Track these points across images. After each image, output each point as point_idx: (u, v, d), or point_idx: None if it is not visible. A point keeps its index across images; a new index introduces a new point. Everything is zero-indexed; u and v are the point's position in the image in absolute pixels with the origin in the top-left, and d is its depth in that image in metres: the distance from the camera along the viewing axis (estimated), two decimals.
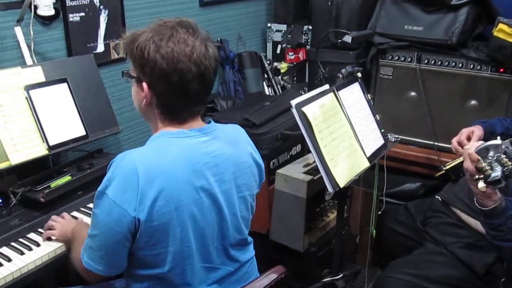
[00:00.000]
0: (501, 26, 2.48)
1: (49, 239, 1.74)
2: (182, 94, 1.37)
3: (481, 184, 1.59)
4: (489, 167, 1.57)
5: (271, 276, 1.46)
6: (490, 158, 1.60)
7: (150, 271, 1.42)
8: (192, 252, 1.43)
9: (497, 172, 1.56)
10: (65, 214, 1.82)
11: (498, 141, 1.63)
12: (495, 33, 2.51)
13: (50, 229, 1.75)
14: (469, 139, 2.20)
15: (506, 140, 1.63)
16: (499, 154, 1.59)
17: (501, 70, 2.64)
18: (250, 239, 1.65)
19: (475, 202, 1.78)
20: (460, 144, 2.19)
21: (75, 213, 1.91)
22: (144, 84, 1.39)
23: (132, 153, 1.36)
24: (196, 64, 1.34)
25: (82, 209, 1.94)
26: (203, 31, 1.42)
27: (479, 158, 1.63)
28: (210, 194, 1.42)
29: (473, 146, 1.71)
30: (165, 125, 1.44)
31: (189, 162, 1.38)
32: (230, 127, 1.58)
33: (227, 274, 1.55)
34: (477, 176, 1.61)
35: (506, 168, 1.56)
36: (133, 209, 1.31)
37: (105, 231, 1.35)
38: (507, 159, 1.57)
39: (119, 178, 1.32)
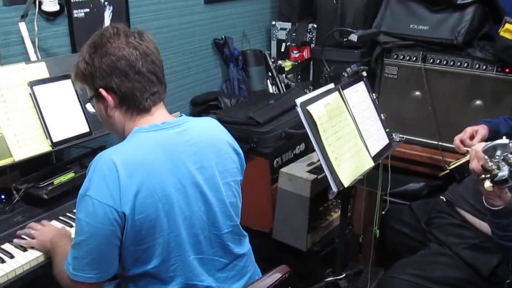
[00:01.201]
0: (507, 26, 2.47)
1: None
2: (135, 77, 1.42)
3: (487, 184, 1.57)
4: (495, 167, 1.56)
5: (275, 276, 1.46)
6: (497, 157, 1.58)
7: (141, 268, 1.42)
8: (182, 242, 1.43)
9: (504, 172, 1.54)
10: (44, 221, 1.78)
11: (505, 140, 1.62)
12: (502, 33, 2.50)
13: (29, 236, 1.70)
14: (472, 137, 2.18)
15: None
16: (506, 154, 1.57)
17: (507, 70, 2.62)
18: (245, 233, 1.65)
19: (484, 201, 1.76)
20: (463, 142, 2.18)
21: None
22: (102, 91, 1.43)
23: (109, 151, 1.39)
24: (135, 47, 1.41)
25: None
26: (133, 28, 1.50)
27: (486, 157, 1.61)
28: (193, 183, 1.44)
29: (480, 146, 1.69)
30: (134, 121, 1.46)
31: (167, 152, 1.41)
32: (203, 118, 1.61)
33: (222, 266, 1.55)
34: (483, 176, 1.59)
35: None
36: (118, 204, 1.31)
37: (92, 233, 1.34)
38: None
39: (99, 177, 1.33)
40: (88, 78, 1.45)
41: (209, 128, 1.58)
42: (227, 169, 1.55)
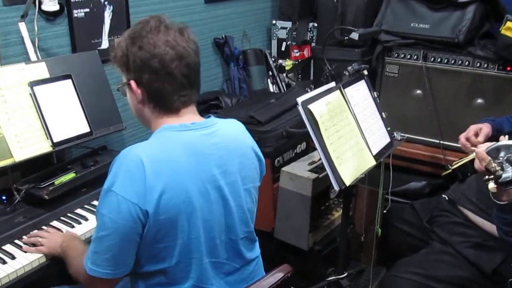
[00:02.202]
0: (509, 24, 2.47)
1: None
2: (166, 78, 1.39)
3: (491, 185, 1.56)
4: (499, 168, 1.54)
5: (277, 275, 1.45)
6: (500, 158, 1.57)
7: (156, 266, 1.41)
8: (199, 245, 1.42)
9: (508, 173, 1.52)
10: (49, 228, 1.77)
11: (509, 141, 1.61)
12: (503, 31, 2.49)
13: (35, 245, 1.69)
14: (476, 135, 2.18)
15: None
16: (510, 155, 1.56)
17: (508, 68, 2.62)
18: (256, 237, 1.64)
19: (491, 196, 1.75)
20: (468, 140, 2.17)
21: (79, 211, 1.91)
22: (132, 82, 1.42)
23: (137, 147, 1.36)
24: (172, 46, 1.38)
25: (86, 206, 1.94)
26: (177, 22, 1.46)
27: (490, 158, 1.60)
28: (216, 186, 1.43)
29: (484, 146, 1.69)
30: (162, 118, 1.45)
31: (194, 154, 1.39)
32: (230, 121, 1.59)
33: (233, 271, 1.54)
34: (487, 177, 1.58)
35: None
36: (143, 202, 1.30)
37: (115, 229, 1.32)
38: None
39: (125, 173, 1.32)
40: (123, 67, 1.44)
41: (236, 132, 1.56)
42: (249, 175, 1.54)
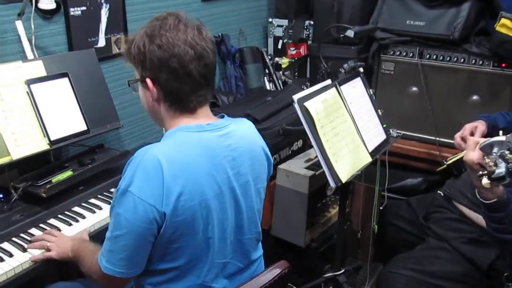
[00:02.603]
0: (503, 21, 2.48)
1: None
2: (185, 78, 1.37)
3: (485, 181, 1.57)
4: (493, 163, 1.56)
5: (274, 271, 1.46)
6: (494, 154, 1.58)
7: (167, 264, 1.41)
8: (213, 246, 1.42)
9: (501, 169, 1.54)
10: (53, 231, 1.75)
11: (502, 137, 1.62)
12: (498, 28, 2.50)
13: (43, 248, 1.68)
14: (472, 134, 2.19)
15: (509, 135, 1.62)
16: (503, 151, 1.57)
17: (503, 65, 2.63)
18: (261, 236, 1.65)
19: (477, 195, 1.77)
20: (464, 139, 2.18)
21: (76, 209, 1.91)
22: (148, 80, 1.39)
23: (154, 148, 1.35)
24: (192, 46, 1.35)
25: (83, 204, 1.94)
26: (194, 19, 1.43)
27: (482, 153, 1.62)
28: (230, 188, 1.43)
29: (473, 139, 1.71)
30: (178, 118, 1.43)
31: (209, 156, 1.39)
32: (241, 121, 1.58)
33: (237, 270, 1.55)
34: (480, 172, 1.60)
35: (510, 164, 1.54)
36: (160, 204, 1.29)
37: (130, 230, 1.32)
38: (511, 155, 1.56)
39: (143, 173, 1.30)
40: (138, 64, 1.41)
41: (248, 133, 1.55)
42: (259, 176, 1.54)
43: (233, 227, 1.48)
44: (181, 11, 1.44)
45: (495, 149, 1.60)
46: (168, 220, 1.31)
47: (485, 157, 1.59)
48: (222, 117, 1.51)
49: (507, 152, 1.57)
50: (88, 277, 1.53)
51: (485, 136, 2.17)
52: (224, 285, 1.51)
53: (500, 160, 1.56)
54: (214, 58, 1.42)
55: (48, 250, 1.66)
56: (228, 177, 1.42)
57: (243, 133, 1.51)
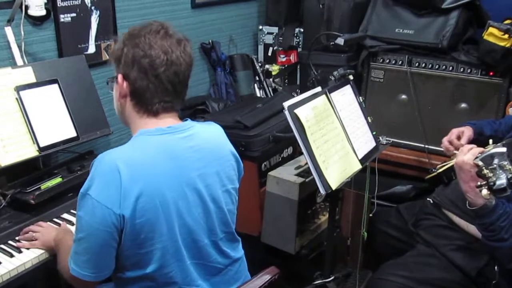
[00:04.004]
0: (491, 29, 2.51)
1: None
2: (152, 80, 1.42)
3: (484, 192, 1.56)
4: (492, 174, 1.54)
5: (264, 277, 1.46)
6: (494, 165, 1.57)
7: (139, 272, 1.42)
8: (180, 248, 1.43)
9: (502, 180, 1.52)
10: (41, 222, 1.80)
11: (503, 148, 1.60)
12: (485, 37, 2.53)
13: (31, 239, 1.73)
14: (459, 138, 2.22)
15: (502, 143, 1.62)
16: (502, 162, 1.56)
17: (491, 73, 2.66)
18: (238, 238, 1.65)
19: (467, 204, 1.79)
20: (451, 143, 2.20)
21: (65, 215, 1.90)
22: (119, 76, 1.45)
23: (112, 152, 1.39)
24: (166, 52, 1.41)
25: (72, 211, 1.92)
26: (180, 33, 1.49)
27: (482, 164, 1.61)
28: (194, 189, 1.44)
29: (466, 149, 1.72)
30: (141, 118, 1.47)
31: (170, 157, 1.41)
32: (207, 124, 1.62)
33: (217, 272, 1.55)
34: (479, 183, 1.59)
35: (511, 175, 1.53)
36: (117, 206, 1.31)
37: (90, 232, 1.35)
38: (510, 166, 1.55)
39: (101, 177, 1.34)
40: (116, 61, 1.47)
41: (213, 135, 1.58)
42: (227, 176, 1.55)
43: (204, 228, 1.48)
44: (167, 22, 1.50)
45: (496, 160, 1.58)
46: (128, 223, 1.33)
47: (484, 168, 1.59)
48: (186, 120, 1.54)
49: (505, 163, 1.55)
50: (63, 276, 1.53)
51: (471, 141, 2.20)
52: (205, 287, 1.51)
53: (500, 171, 1.55)
54: (187, 71, 1.47)
55: (35, 240, 1.71)
56: (192, 178, 1.44)
57: (208, 135, 1.54)
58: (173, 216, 1.39)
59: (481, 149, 1.73)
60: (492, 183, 1.54)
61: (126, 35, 1.46)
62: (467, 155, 1.70)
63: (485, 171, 1.56)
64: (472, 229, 2.04)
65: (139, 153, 1.39)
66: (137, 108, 1.47)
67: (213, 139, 1.56)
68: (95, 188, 1.33)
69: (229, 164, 1.57)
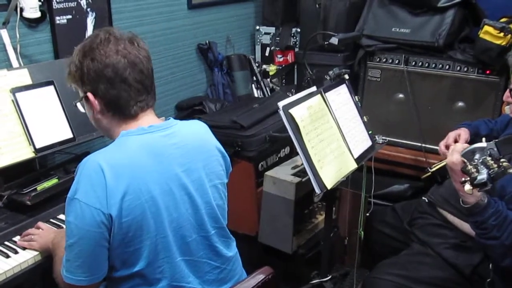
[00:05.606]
0: (486, 28, 2.51)
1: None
2: (121, 85, 1.43)
3: (467, 187, 1.60)
4: (475, 170, 1.58)
5: (258, 277, 1.47)
6: (476, 161, 1.61)
7: (129, 270, 1.43)
8: (168, 244, 1.44)
9: (483, 175, 1.56)
10: (40, 223, 1.80)
11: (483, 144, 1.64)
12: (481, 35, 2.54)
13: (30, 240, 1.73)
14: (456, 141, 2.22)
15: (491, 142, 1.65)
16: (484, 157, 1.60)
17: (488, 72, 2.67)
18: (232, 236, 1.66)
19: (461, 202, 1.80)
20: (448, 147, 2.20)
21: (61, 216, 1.90)
22: (89, 95, 1.46)
23: (95, 154, 1.40)
24: (123, 55, 1.43)
25: None
26: (126, 32, 1.50)
27: (465, 160, 1.65)
28: (180, 185, 1.46)
29: (459, 144, 1.73)
30: (121, 126, 1.48)
31: (154, 155, 1.42)
32: (191, 122, 1.63)
33: (210, 269, 1.56)
34: (463, 179, 1.62)
35: (491, 170, 1.56)
36: (105, 206, 1.33)
37: (82, 235, 1.35)
38: (492, 161, 1.58)
39: (86, 180, 1.35)
40: (78, 81, 1.47)
41: (197, 131, 1.60)
42: (214, 172, 1.57)
43: (193, 224, 1.49)
44: (113, 27, 1.51)
45: (477, 156, 1.63)
46: (116, 222, 1.34)
47: (467, 164, 1.62)
48: (168, 119, 1.55)
49: (488, 158, 1.59)
50: (58, 283, 1.53)
51: (468, 143, 2.20)
52: (196, 284, 1.52)
53: (482, 166, 1.59)
54: (148, 65, 1.48)
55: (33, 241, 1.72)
56: (177, 174, 1.45)
57: (191, 131, 1.56)
58: (160, 213, 1.41)
59: (466, 145, 1.76)
60: (474, 178, 1.57)
61: (78, 53, 1.46)
62: (454, 155, 1.72)
63: (469, 167, 1.60)
64: (466, 227, 2.04)
65: (121, 153, 1.40)
66: (116, 117, 1.48)
67: (197, 136, 1.57)
68: (81, 191, 1.34)
69: (214, 159, 1.58)
